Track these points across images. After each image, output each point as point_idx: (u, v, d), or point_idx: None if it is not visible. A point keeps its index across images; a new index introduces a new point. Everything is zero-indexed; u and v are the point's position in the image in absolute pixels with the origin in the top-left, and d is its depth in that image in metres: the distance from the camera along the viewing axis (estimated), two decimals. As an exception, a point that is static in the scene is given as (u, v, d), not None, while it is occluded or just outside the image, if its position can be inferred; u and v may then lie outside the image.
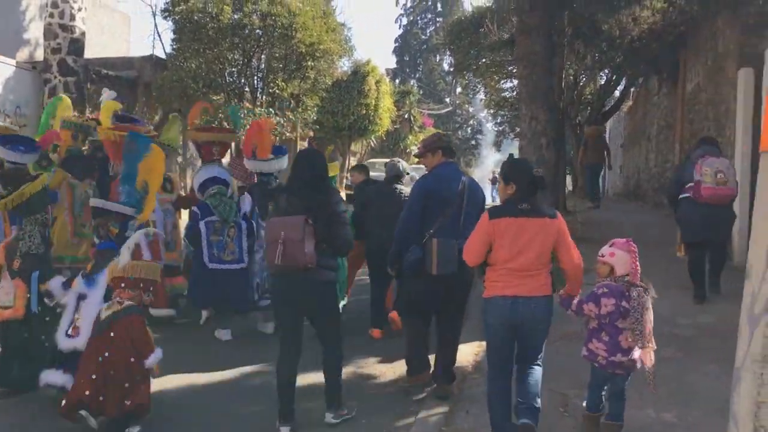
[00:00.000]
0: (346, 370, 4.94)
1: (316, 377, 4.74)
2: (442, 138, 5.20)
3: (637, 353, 3.90)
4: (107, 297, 4.57)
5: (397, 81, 48.68)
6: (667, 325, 6.21)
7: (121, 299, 4.36)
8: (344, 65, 28.63)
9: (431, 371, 4.96)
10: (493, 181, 35.99)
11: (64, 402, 4.20)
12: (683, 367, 5.22)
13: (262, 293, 6.93)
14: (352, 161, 29.91)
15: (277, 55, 20.09)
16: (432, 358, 5.03)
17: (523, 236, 3.91)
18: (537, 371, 4.06)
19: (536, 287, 3.92)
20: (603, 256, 4.07)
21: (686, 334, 6.06)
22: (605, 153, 15.57)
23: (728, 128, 8.97)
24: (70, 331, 4.59)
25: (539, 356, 4.08)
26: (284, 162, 7.61)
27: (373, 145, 32.00)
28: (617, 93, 20.65)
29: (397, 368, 5.59)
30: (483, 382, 4.80)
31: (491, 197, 36.87)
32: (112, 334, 4.22)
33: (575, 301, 4.05)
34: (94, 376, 4.14)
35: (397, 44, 59.99)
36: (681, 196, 6.89)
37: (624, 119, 25.19)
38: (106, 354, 4.18)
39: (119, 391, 4.16)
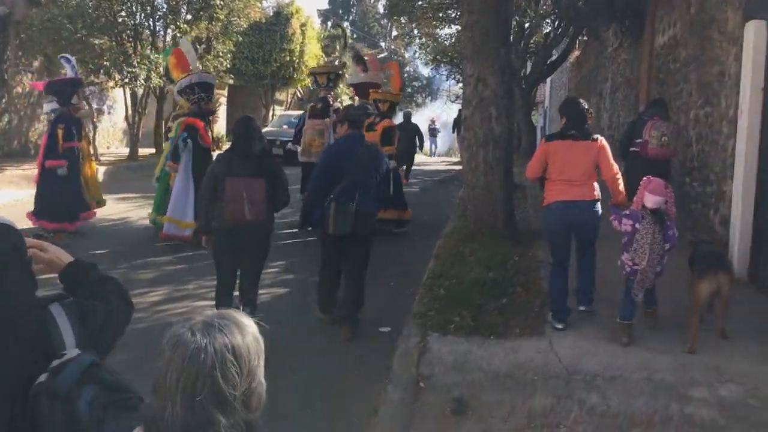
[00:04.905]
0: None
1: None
2: (350, 111, 5.99)
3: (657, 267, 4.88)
4: None
5: (329, 24, 45.49)
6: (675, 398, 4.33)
7: None
8: (268, 6, 25.76)
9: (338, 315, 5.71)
10: (433, 132, 33.60)
11: None
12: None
13: None
14: (278, 111, 27.30)
15: (181, -9, 17.24)
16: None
17: (570, 154, 5.14)
18: (591, 257, 5.37)
19: (584, 193, 5.09)
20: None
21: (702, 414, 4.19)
22: None
23: (724, 97, 7.07)
24: None
25: (593, 244, 5.36)
26: None
27: (299, 94, 29.29)
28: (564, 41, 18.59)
29: None
30: None
31: (430, 148, 34.63)
32: None
33: (612, 217, 5.00)
34: None
35: (329, -17, 56.25)
36: (631, 149, 7.64)
37: (569, 70, 23.36)
38: None
39: None
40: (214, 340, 1.39)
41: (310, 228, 5.74)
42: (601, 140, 5.28)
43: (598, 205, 5.18)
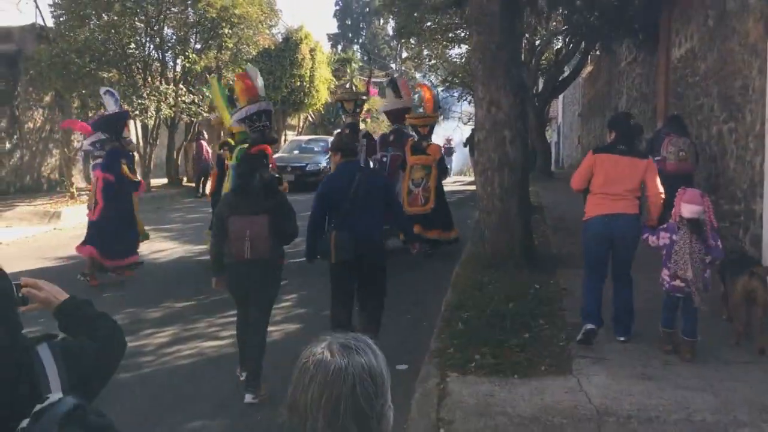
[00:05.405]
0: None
1: None
2: (342, 139, 5.95)
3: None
4: None
5: (339, 47, 45.64)
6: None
7: None
8: (277, 32, 25.77)
9: None
10: (448, 152, 33.26)
11: None
12: None
13: None
14: (290, 136, 27.22)
15: (190, 20, 17.25)
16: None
17: (616, 169, 5.17)
18: (628, 283, 5.26)
19: (626, 207, 5.11)
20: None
21: None
22: None
23: (749, 112, 6.78)
24: None
25: (629, 265, 5.26)
26: None
27: (311, 119, 29.23)
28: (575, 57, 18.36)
29: None
30: None
31: (451, 168, 34.31)
32: None
33: (644, 236, 5.05)
34: None
35: (337, 7, 56.62)
36: None
37: (583, 85, 23.11)
38: None
39: None
40: (352, 360, 1.45)
41: (318, 257, 5.58)
42: (649, 159, 5.36)
43: (639, 220, 5.20)
